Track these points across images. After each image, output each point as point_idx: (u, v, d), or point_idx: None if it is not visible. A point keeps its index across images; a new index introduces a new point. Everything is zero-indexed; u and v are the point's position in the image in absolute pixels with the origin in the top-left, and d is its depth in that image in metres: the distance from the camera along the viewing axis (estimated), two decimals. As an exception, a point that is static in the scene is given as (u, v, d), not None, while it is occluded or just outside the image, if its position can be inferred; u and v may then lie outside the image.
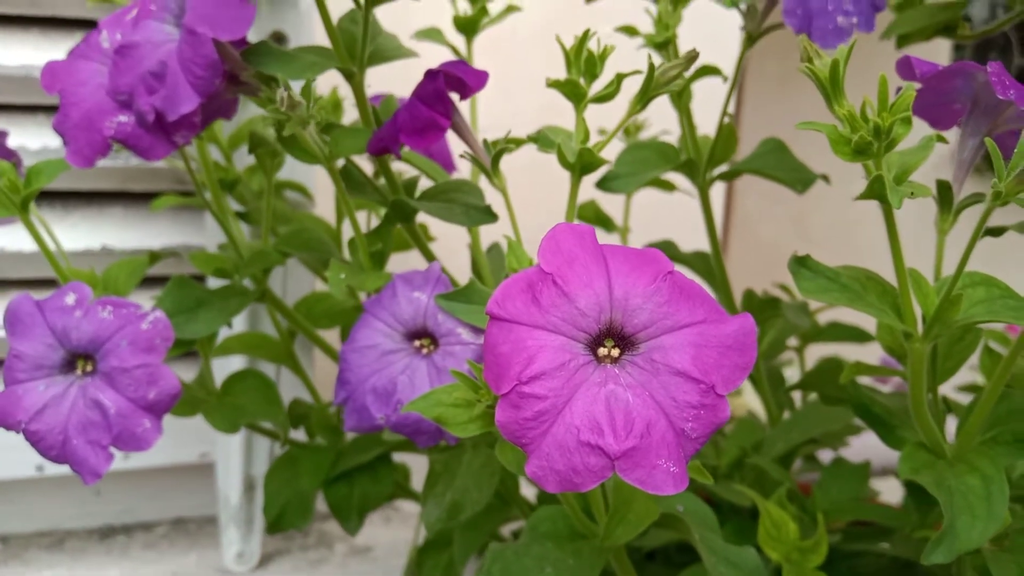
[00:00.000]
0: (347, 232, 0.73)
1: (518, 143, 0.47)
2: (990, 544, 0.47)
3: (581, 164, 0.45)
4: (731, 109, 0.63)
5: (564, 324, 0.33)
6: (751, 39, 0.57)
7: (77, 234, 0.79)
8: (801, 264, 0.41)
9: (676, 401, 0.33)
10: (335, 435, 0.69)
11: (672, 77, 0.44)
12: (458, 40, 0.64)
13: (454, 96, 0.48)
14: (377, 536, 0.96)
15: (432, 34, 0.60)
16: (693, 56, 0.45)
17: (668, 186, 0.73)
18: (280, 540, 0.94)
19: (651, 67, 0.44)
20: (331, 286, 0.48)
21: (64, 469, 0.81)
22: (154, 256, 0.60)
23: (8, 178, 0.53)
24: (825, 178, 0.66)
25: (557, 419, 0.33)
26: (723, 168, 0.66)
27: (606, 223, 0.82)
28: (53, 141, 0.77)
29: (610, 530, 0.42)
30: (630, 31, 0.61)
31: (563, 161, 0.45)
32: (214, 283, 0.65)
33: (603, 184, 0.63)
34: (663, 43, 0.59)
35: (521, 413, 0.33)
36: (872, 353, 0.67)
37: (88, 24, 0.78)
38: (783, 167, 0.66)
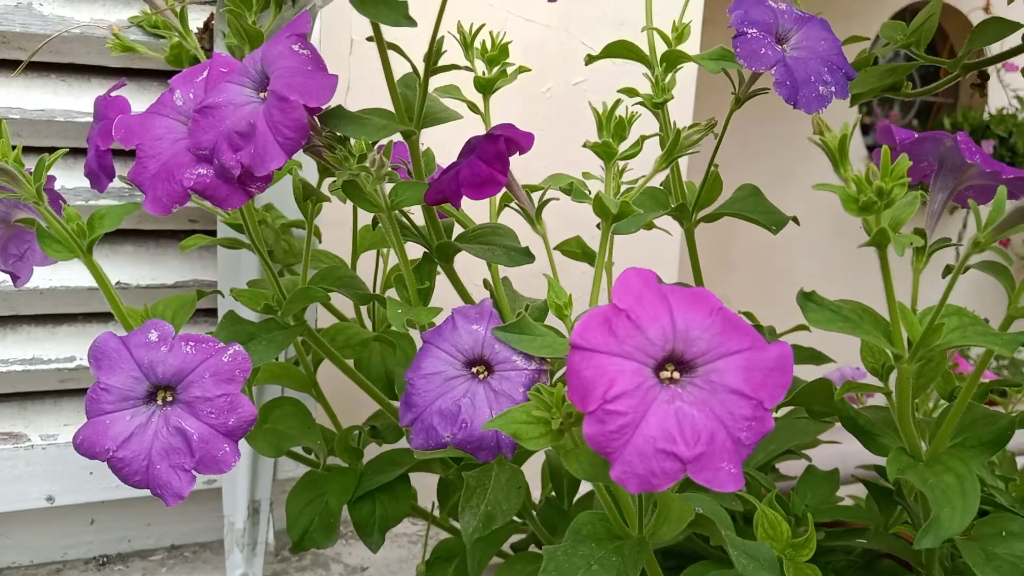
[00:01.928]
0: (360, 268, 0.78)
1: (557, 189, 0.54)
2: (959, 535, 0.55)
3: (610, 215, 0.52)
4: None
5: (637, 352, 0.40)
6: (739, 102, 0.65)
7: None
8: (808, 298, 0.49)
9: (733, 415, 0.40)
10: (356, 458, 0.74)
11: (695, 140, 0.52)
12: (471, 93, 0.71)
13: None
14: (370, 556, 1.01)
15: (451, 91, 0.66)
16: (712, 123, 0.53)
17: (649, 225, 0.81)
18: (277, 563, 0.97)
19: (678, 132, 0.52)
20: (392, 320, 0.54)
21: (71, 499, 0.84)
22: (200, 293, 0.64)
23: (77, 224, 0.57)
24: (795, 220, 0.75)
25: (636, 431, 0.39)
26: (707, 211, 0.74)
27: (591, 256, 0.89)
28: (70, 182, 0.81)
29: (656, 528, 0.49)
30: (631, 92, 0.69)
31: (599, 210, 0.52)
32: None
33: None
34: (660, 103, 0.66)
35: (607, 427, 0.39)
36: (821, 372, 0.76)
37: (103, 71, 0.82)
38: (759, 210, 0.74)
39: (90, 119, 0.79)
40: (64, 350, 0.82)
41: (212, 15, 0.81)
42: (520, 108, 1.06)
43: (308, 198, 0.62)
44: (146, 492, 0.88)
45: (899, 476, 0.50)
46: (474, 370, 0.52)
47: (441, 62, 0.55)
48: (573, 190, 0.55)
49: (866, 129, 4.18)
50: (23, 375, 0.81)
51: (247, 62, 0.52)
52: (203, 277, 0.86)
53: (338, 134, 0.52)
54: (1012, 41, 0.73)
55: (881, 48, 0.76)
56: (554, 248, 0.71)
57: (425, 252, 0.61)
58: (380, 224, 0.59)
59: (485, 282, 0.70)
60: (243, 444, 0.82)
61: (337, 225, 0.85)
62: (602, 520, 0.53)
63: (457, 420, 0.50)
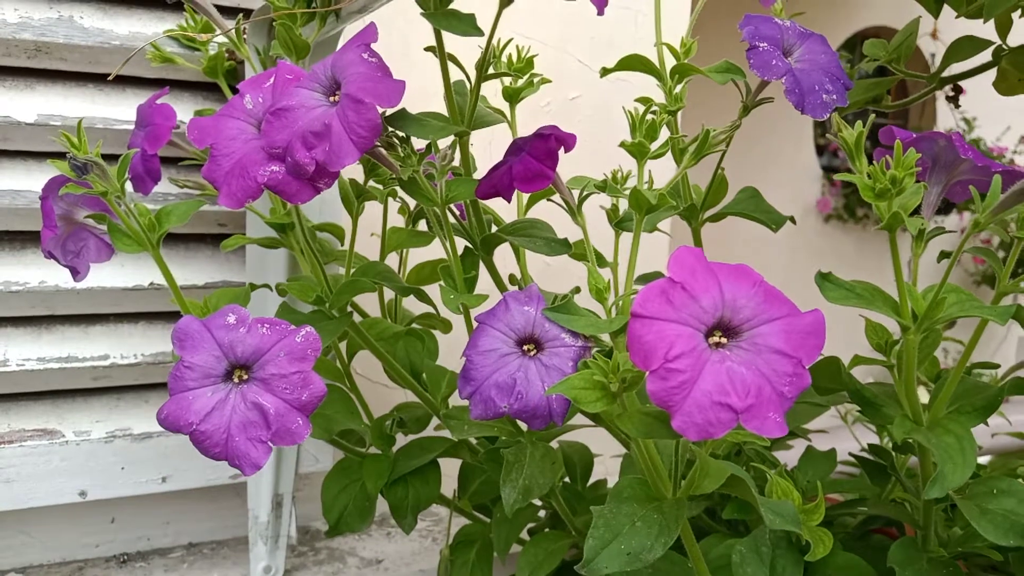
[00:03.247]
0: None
1: (597, 188, 0.60)
2: (955, 493, 0.62)
3: (648, 206, 0.58)
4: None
5: (691, 319, 0.46)
6: (746, 109, 0.72)
7: (127, 273, 0.86)
8: (825, 279, 0.55)
9: (776, 372, 0.45)
10: (388, 444, 0.79)
11: (721, 140, 0.58)
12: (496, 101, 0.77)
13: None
14: (384, 550, 1.04)
15: (481, 100, 0.72)
16: (737, 125, 0.59)
17: (650, 227, 0.87)
18: (295, 557, 1.01)
19: (706, 133, 0.58)
20: (446, 304, 0.59)
21: (103, 494, 0.87)
22: (252, 286, 0.69)
23: (148, 219, 0.61)
24: (792, 220, 0.81)
25: (694, 387, 0.45)
26: (713, 211, 0.81)
27: (600, 259, 0.95)
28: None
29: (699, 483, 0.55)
30: (645, 101, 0.75)
31: (635, 203, 0.58)
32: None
33: (621, 224, 0.76)
34: (674, 111, 0.73)
35: (668, 383, 0.45)
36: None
37: (138, 81, 0.86)
38: (759, 210, 0.81)
39: (127, 127, 0.83)
40: (97, 349, 0.86)
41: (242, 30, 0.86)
42: (522, 120, 1.12)
43: (359, 197, 0.67)
44: (189, 484, 0.92)
45: (905, 437, 0.57)
46: (525, 348, 0.57)
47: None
48: (607, 186, 0.61)
49: (820, 150, 4.34)
50: (59, 373, 0.84)
51: (317, 69, 0.57)
52: (231, 278, 0.89)
53: (399, 134, 0.57)
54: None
55: (868, 63, 0.83)
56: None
57: (467, 246, 0.66)
58: (427, 220, 0.64)
59: (512, 276, 0.76)
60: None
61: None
62: (641, 484, 0.58)
63: (513, 391, 0.55)
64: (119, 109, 0.84)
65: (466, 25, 0.53)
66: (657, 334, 0.45)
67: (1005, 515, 0.60)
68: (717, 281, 0.47)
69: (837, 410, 1.42)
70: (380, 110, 0.54)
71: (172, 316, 0.90)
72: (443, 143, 0.58)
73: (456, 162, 0.65)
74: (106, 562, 0.98)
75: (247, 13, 0.83)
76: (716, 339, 0.47)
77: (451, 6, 0.57)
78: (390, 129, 0.58)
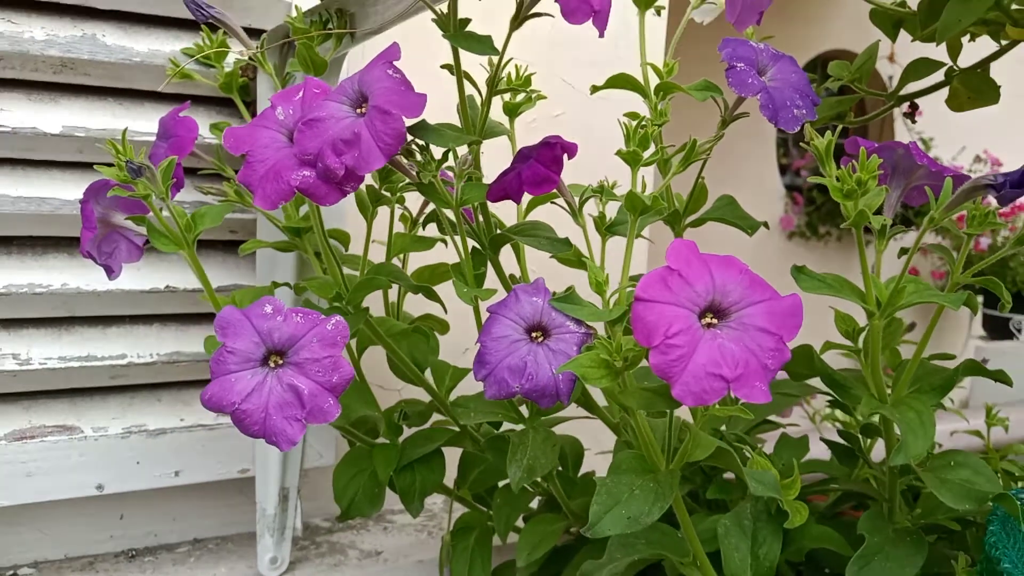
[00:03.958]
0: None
1: (594, 192, 0.66)
2: (917, 466, 0.69)
3: (643, 208, 0.65)
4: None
5: (687, 301, 0.53)
6: (725, 123, 0.79)
7: (143, 277, 0.91)
8: (800, 271, 0.62)
9: (761, 347, 0.52)
10: (396, 434, 0.84)
11: (706, 149, 0.65)
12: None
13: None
14: (382, 542, 1.09)
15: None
16: (720, 136, 0.66)
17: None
18: (298, 551, 1.05)
19: (693, 141, 0.65)
20: (461, 297, 0.65)
21: (119, 487, 0.91)
22: (275, 284, 0.74)
23: (186, 220, 0.67)
24: (766, 225, 0.89)
25: (690, 360, 0.51)
26: (694, 217, 0.88)
27: (584, 264, 1.02)
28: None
29: (690, 452, 0.61)
30: (634, 116, 0.82)
31: (630, 205, 0.65)
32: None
33: (612, 228, 0.83)
34: (659, 125, 0.80)
35: (668, 357, 0.51)
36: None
37: (155, 95, 0.92)
38: (736, 216, 0.88)
39: (146, 138, 0.89)
40: (115, 348, 0.90)
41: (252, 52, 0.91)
42: (505, 139, 1.19)
43: (376, 202, 0.73)
44: (200, 479, 0.96)
45: (872, 412, 0.64)
46: (533, 335, 0.63)
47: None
48: (604, 191, 0.67)
49: (783, 170, 4.47)
50: (79, 371, 0.89)
51: (345, 84, 0.63)
52: (241, 281, 0.95)
53: (418, 142, 0.64)
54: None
55: (832, 83, 0.91)
56: (550, 257, 0.83)
57: (474, 247, 0.72)
58: (438, 223, 0.71)
59: (511, 276, 0.82)
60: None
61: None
62: (638, 458, 0.64)
63: (524, 373, 0.61)
64: (138, 122, 0.89)
65: (484, 46, 0.60)
66: (658, 315, 0.52)
67: (961, 484, 0.67)
68: (708, 269, 0.53)
69: (805, 410, 1.50)
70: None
71: (184, 318, 0.95)
72: (461, 150, 0.64)
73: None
74: (115, 557, 1.02)
75: (253, 32, 0.89)
76: (708, 320, 0.53)
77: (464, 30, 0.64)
78: (409, 137, 0.64)
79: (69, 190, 0.86)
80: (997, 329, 3.89)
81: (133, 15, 0.88)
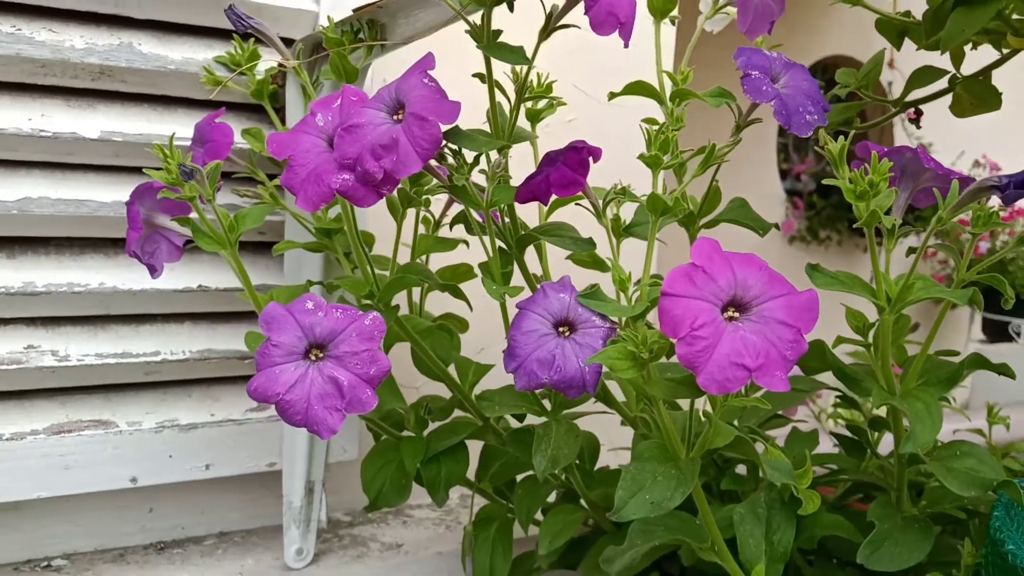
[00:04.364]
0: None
1: (623, 194, 0.70)
2: (924, 455, 0.72)
3: (664, 209, 0.68)
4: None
5: (711, 296, 0.56)
6: (739, 128, 0.82)
7: (176, 277, 0.94)
8: (814, 269, 0.66)
9: (781, 339, 0.56)
10: (422, 427, 0.88)
11: (725, 152, 0.68)
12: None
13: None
14: (402, 535, 1.13)
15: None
16: (738, 140, 0.69)
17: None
18: (321, 543, 1.09)
19: (713, 145, 0.69)
20: (491, 294, 0.69)
21: (153, 480, 0.95)
22: (310, 283, 0.77)
23: (229, 221, 0.70)
24: (777, 226, 0.92)
25: (715, 351, 0.55)
26: (707, 219, 0.91)
27: (601, 264, 1.05)
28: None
29: (711, 440, 0.64)
30: (651, 122, 0.85)
31: (651, 206, 0.68)
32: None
33: (629, 229, 0.86)
34: (676, 130, 0.83)
35: (694, 348, 0.54)
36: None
37: (187, 102, 0.95)
38: (748, 217, 0.91)
39: (180, 143, 0.92)
40: (148, 346, 0.94)
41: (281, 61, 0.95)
42: (524, 144, 1.23)
43: (407, 204, 0.77)
44: (230, 472, 0.99)
45: (882, 403, 0.67)
46: (560, 329, 0.67)
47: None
48: (627, 193, 0.71)
49: (784, 175, 4.51)
50: (114, 367, 0.92)
51: (383, 92, 0.66)
52: (269, 281, 0.98)
53: (451, 147, 0.67)
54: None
55: (840, 89, 0.95)
56: (565, 258, 0.86)
57: (500, 247, 0.76)
58: (466, 224, 0.74)
59: (535, 276, 0.85)
60: (301, 433, 0.95)
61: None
62: (659, 447, 0.68)
63: (553, 365, 0.65)
64: (172, 127, 0.92)
65: (517, 56, 0.63)
66: (684, 308, 0.55)
67: (967, 472, 0.70)
68: (731, 266, 0.57)
69: (811, 409, 1.54)
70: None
71: (215, 316, 0.99)
72: (492, 154, 0.68)
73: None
74: (144, 549, 1.05)
75: (283, 42, 0.92)
76: (730, 313, 0.57)
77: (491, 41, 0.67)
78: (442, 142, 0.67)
79: (106, 193, 0.90)
80: (996, 333, 3.93)
81: (168, 24, 0.92)
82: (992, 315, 4.00)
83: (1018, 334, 3.82)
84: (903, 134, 3.90)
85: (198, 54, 0.92)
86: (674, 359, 0.59)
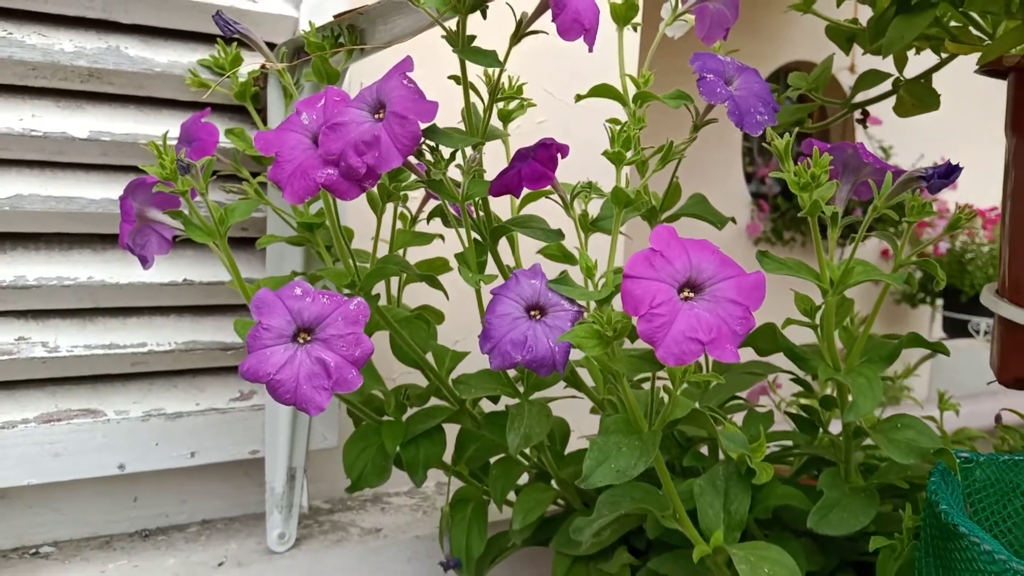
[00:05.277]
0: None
1: (587, 189, 0.75)
2: (868, 427, 0.78)
3: (627, 201, 0.73)
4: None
5: (668, 278, 0.61)
6: (696, 128, 0.88)
7: (162, 271, 0.98)
8: (764, 255, 0.71)
9: (731, 315, 0.61)
10: (401, 412, 0.92)
11: (682, 149, 0.74)
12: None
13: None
14: (381, 521, 1.17)
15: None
16: (694, 138, 0.75)
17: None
18: (302, 529, 1.13)
19: (670, 143, 0.74)
20: (468, 282, 0.74)
21: (140, 467, 0.98)
22: (295, 273, 0.82)
23: (219, 214, 0.75)
24: (733, 220, 0.98)
25: (672, 327, 0.60)
26: (668, 213, 0.97)
27: (569, 258, 1.10)
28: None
29: (670, 412, 0.70)
30: (615, 122, 0.90)
31: (616, 199, 0.73)
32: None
33: (596, 223, 0.91)
34: (639, 130, 0.89)
35: (653, 324, 0.60)
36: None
37: (172, 103, 0.99)
38: (707, 212, 0.97)
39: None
40: (136, 337, 0.97)
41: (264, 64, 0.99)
42: (497, 142, 1.28)
43: (387, 199, 0.81)
44: (214, 459, 1.03)
45: (828, 378, 0.73)
46: (532, 313, 0.72)
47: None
48: (593, 188, 0.76)
49: (749, 177, 4.61)
50: (102, 358, 0.95)
51: (364, 92, 0.71)
52: (251, 274, 1.02)
53: (429, 143, 0.72)
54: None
55: (792, 92, 1.01)
56: (536, 252, 0.91)
57: (475, 239, 0.81)
58: (442, 218, 0.79)
59: (508, 266, 0.90)
60: (285, 416, 0.99)
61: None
62: (624, 420, 0.73)
63: (525, 346, 0.70)
64: (158, 127, 0.96)
65: (490, 60, 0.68)
66: (644, 289, 0.61)
67: (907, 442, 0.76)
68: (686, 251, 0.62)
69: (771, 399, 1.61)
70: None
71: (199, 309, 1.02)
72: (467, 150, 0.73)
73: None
74: (130, 537, 1.08)
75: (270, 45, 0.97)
76: (685, 294, 0.62)
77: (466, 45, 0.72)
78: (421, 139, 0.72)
79: (95, 190, 0.93)
80: (957, 331, 4.06)
81: (153, 28, 0.95)
82: (952, 313, 4.13)
83: (977, 332, 3.94)
84: (864, 137, 4.02)
85: (183, 57, 0.96)
86: (638, 343, 0.65)
